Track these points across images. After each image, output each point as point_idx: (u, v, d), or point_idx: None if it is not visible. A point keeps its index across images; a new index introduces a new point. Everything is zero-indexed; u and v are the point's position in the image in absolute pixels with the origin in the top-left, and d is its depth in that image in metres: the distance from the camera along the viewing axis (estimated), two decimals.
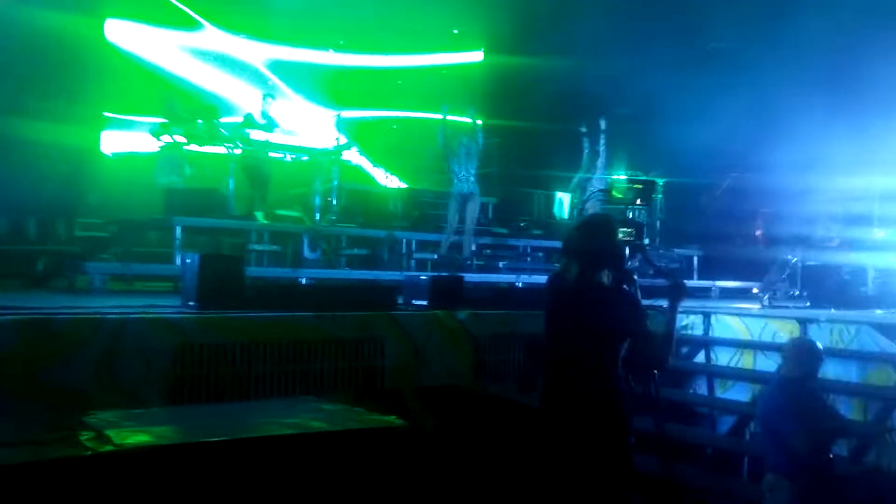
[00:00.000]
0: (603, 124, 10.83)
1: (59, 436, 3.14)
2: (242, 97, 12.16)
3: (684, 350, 7.35)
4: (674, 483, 4.11)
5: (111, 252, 8.75)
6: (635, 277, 3.79)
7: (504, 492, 5.09)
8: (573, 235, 3.85)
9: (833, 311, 7.84)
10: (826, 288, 9.35)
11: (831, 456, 4.62)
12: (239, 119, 10.15)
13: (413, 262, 10.06)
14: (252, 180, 9.66)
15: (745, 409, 6.52)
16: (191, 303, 5.62)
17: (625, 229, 3.90)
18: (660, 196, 12.14)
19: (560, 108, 13.20)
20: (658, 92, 11.73)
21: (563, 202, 12.80)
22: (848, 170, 10.21)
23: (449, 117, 9.93)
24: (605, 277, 3.68)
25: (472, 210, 9.66)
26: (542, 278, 4.77)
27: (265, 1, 12.45)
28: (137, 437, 3.15)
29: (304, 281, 8.20)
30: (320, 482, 3.36)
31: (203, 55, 12.67)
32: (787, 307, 8.76)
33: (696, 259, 11.89)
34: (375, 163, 13.66)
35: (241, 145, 9.48)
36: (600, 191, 10.81)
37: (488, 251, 11.07)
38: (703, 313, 7.41)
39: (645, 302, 3.78)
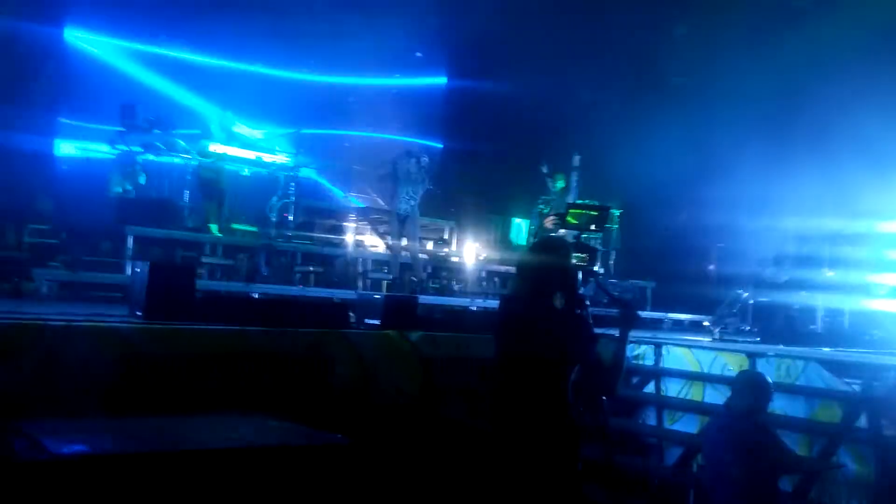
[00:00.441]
0: (577, 160, 10.96)
1: None
2: (200, 109, 12.05)
3: (635, 380, 7.38)
4: None
5: (60, 259, 8.54)
6: (587, 303, 3.81)
7: None
8: (526, 256, 3.86)
9: (781, 346, 7.98)
10: (775, 324, 9.54)
11: (777, 490, 4.65)
12: (197, 131, 10.03)
13: (368, 282, 9.99)
14: (208, 193, 9.53)
15: (693, 440, 6.55)
16: (138, 312, 5.50)
17: (578, 254, 3.93)
18: (616, 226, 12.31)
19: (520, 134, 13.37)
20: (618, 123, 11.95)
21: (521, 228, 12.89)
22: (800, 210, 10.50)
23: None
24: (558, 301, 3.70)
25: (412, 230, 9.67)
26: (496, 303, 4.77)
27: (226, 19, 12.36)
28: (74, 447, 3.05)
29: (256, 296, 8.09)
30: (262, 498, 3.29)
31: (162, 65, 12.54)
32: (736, 341, 8.90)
33: (649, 290, 12.05)
34: (332, 180, 13.63)
35: (197, 157, 9.36)
36: (555, 215, 10.92)
37: (444, 273, 11.07)
38: (654, 344, 7.47)
39: (597, 330, 3.80)
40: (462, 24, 14.14)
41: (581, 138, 13.11)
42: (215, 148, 9.58)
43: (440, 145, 15.43)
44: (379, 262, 10.31)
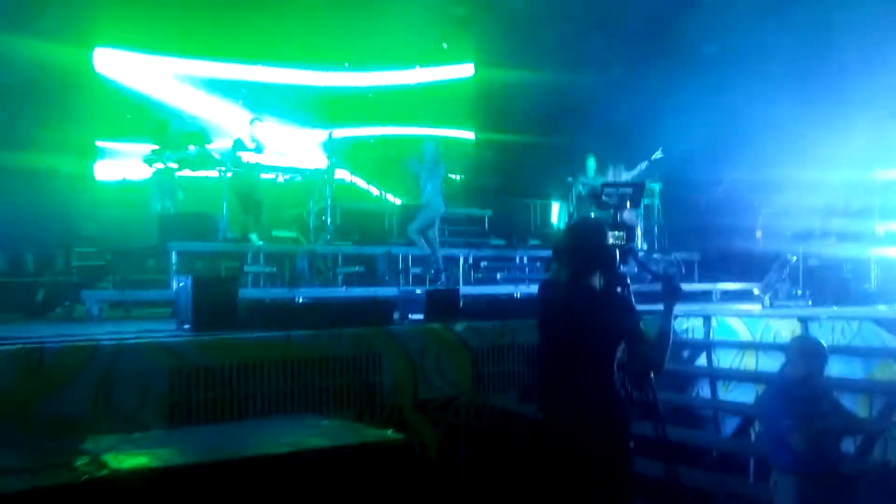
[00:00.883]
0: (659, 152, 10.92)
1: (54, 462, 3.11)
2: (231, 121, 12.18)
3: (686, 353, 7.31)
4: (679, 486, 4.06)
5: (108, 280, 8.75)
6: (628, 281, 3.78)
7: (505, 501, 5.05)
8: (562, 239, 3.84)
9: (835, 308, 7.80)
10: (828, 286, 9.30)
11: (839, 453, 4.58)
12: (229, 143, 10.17)
13: (410, 278, 10.03)
14: (244, 203, 9.66)
15: (749, 410, 6.48)
16: (186, 325, 5.60)
17: (614, 232, 3.89)
18: (657, 201, 12.15)
19: (552, 118, 13.25)
20: (652, 95, 11.77)
21: (559, 211, 12.81)
22: (847, 163, 10.18)
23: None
24: (597, 281, 3.67)
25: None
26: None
27: (250, 23, 12.47)
28: (134, 461, 3.12)
29: (300, 300, 8.18)
30: (320, 499, 3.33)
31: (190, 81, 12.71)
32: (788, 306, 8.72)
33: (696, 262, 11.86)
34: (368, 181, 13.69)
35: (232, 168, 9.48)
36: (589, 195, 10.84)
37: (485, 263, 11.05)
38: (703, 316, 7.38)
39: (642, 307, 3.76)
40: (486, 12, 14.11)
41: (614, 115, 12.98)
42: (248, 158, 9.70)
43: (472, 136, 15.41)
44: (418, 258, 10.34)
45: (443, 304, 6.68)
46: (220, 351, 5.08)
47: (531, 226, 12.99)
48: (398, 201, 13.16)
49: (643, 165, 11.14)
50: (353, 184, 13.16)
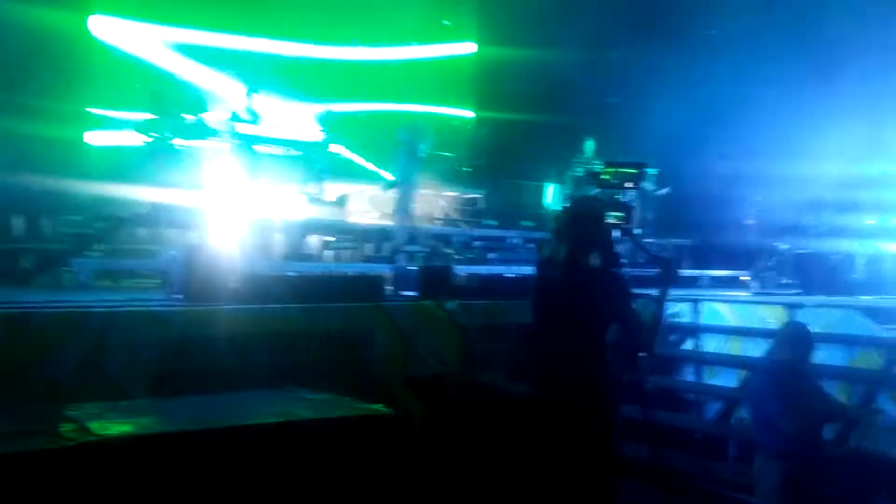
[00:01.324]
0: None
1: (40, 428, 3.12)
2: (227, 92, 12.09)
3: (673, 337, 7.36)
4: (663, 468, 4.10)
5: (97, 248, 8.70)
6: (623, 261, 3.79)
7: (493, 478, 5.09)
8: (562, 217, 3.84)
9: (821, 296, 7.87)
10: (815, 275, 9.39)
11: (822, 438, 4.63)
12: (225, 113, 10.09)
13: (403, 255, 10.02)
14: (240, 174, 9.59)
15: (732, 394, 6.54)
16: (177, 296, 5.59)
17: (614, 213, 3.89)
18: (653, 185, 12.14)
19: (548, 99, 13.20)
20: (651, 81, 11.74)
21: (556, 192, 12.77)
22: (838, 157, 10.23)
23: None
24: (594, 260, 3.68)
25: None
26: (531, 270, 4.77)
27: None
28: (119, 428, 3.13)
29: (292, 274, 8.16)
30: (307, 470, 3.35)
31: (187, 50, 12.57)
32: (777, 294, 8.78)
33: (687, 248, 11.90)
34: (364, 156, 13.63)
35: (228, 139, 9.42)
36: (589, 174, 10.81)
37: (478, 243, 11.05)
38: (691, 300, 7.43)
39: (635, 289, 3.77)
40: None
41: (612, 98, 12.96)
42: (245, 129, 9.63)
43: (472, 115, 15.34)
44: (412, 236, 10.32)
45: (435, 282, 6.70)
46: (210, 322, 5.08)
47: (524, 207, 12.97)
48: (393, 177, 13.11)
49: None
50: (348, 159, 13.10)
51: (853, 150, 10.15)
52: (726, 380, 6.81)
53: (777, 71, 11.21)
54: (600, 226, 3.70)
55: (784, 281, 9.53)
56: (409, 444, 3.78)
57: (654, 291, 3.75)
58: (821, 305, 6.50)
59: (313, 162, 10.28)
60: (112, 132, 11.32)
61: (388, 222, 9.78)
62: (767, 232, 10.78)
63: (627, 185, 4.82)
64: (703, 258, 11.52)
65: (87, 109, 11.40)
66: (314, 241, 9.81)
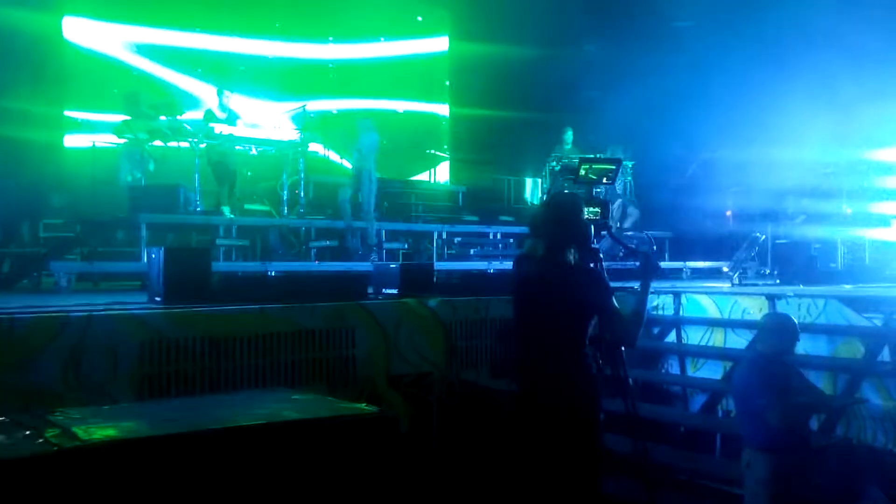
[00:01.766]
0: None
1: (24, 434, 3.08)
2: (201, 91, 12.03)
3: (655, 330, 7.40)
4: (647, 462, 4.12)
5: (76, 251, 8.63)
6: (601, 256, 3.81)
7: (477, 475, 5.11)
8: (539, 213, 3.85)
9: (802, 286, 7.93)
10: (795, 265, 9.45)
11: (808, 429, 4.66)
12: (200, 114, 10.02)
13: (384, 252, 10.02)
14: (217, 175, 9.55)
15: (717, 386, 6.58)
16: (157, 298, 5.55)
17: (591, 208, 3.91)
18: (629, 178, 12.22)
19: (527, 93, 13.24)
20: (625, 73, 11.79)
21: (535, 187, 12.82)
22: (816, 144, 10.30)
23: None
24: (572, 256, 3.70)
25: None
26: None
27: None
28: (104, 433, 3.10)
29: (272, 274, 8.14)
30: (292, 471, 3.34)
31: (161, 51, 12.49)
32: (756, 285, 8.85)
33: (666, 240, 11.99)
34: (342, 154, 13.60)
35: (205, 140, 9.36)
36: (566, 169, 10.87)
37: (459, 239, 11.07)
38: (673, 293, 7.46)
39: (615, 283, 3.79)
40: None
41: (587, 91, 13.00)
42: (221, 129, 9.58)
43: (447, 111, 15.35)
44: (394, 233, 10.32)
45: (417, 279, 6.69)
46: (192, 324, 5.05)
47: (505, 202, 13.01)
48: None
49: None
50: (326, 157, 13.07)
51: (832, 136, 10.22)
52: (710, 372, 6.86)
53: (759, 56, 11.25)
54: (578, 222, 3.72)
55: (764, 271, 9.61)
56: (395, 444, 3.78)
57: (635, 284, 3.77)
58: (802, 295, 6.54)
59: (291, 160, 10.23)
60: (88, 134, 11.23)
61: (366, 219, 9.74)
62: (746, 221, 10.83)
63: (605, 180, 4.87)
64: (684, 249, 11.60)
65: (64, 112, 11.30)
66: (295, 239, 9.77)
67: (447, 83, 15.36)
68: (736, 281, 9.25)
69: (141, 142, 9.53)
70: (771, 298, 6.61)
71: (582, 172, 4.72)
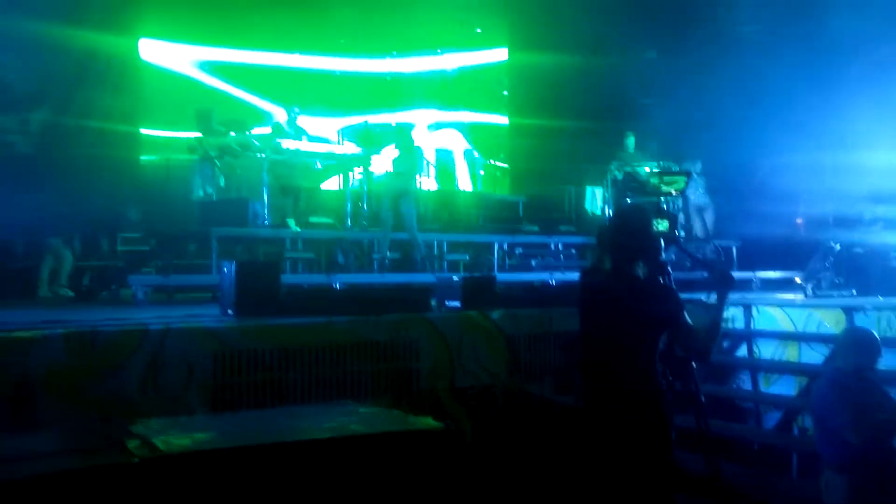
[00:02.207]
0: (698, 166, 10.80)
1: (106, 444, 3.20)
2: (271, 108, 12.32)
3: (726, 344, 7.22)
4: (720, 481, 4.02)
5: (152, 265, 8.92)
6: (669, 269, 3.76)
7: (543, 492, 5.06)
8: (606, 228, 3.81)
9: (881, 298, 7.63)
10: (872, 274, 9.07)
11: (890, 448, 4.47)
12: (268, 130, 10.25)
13: (445, 264, 10.05)
14: (284, 189, 9.75)
15: (792, 402, 6.38)
16: (229, 311, 5.69)
17: (659, 221, 3.86)
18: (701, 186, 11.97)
19: (586, 101, 13.14)
20: (687, 80, 11.60)
21: (595, 196, 12.68)
22: (892, 148, 9.90)
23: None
24: (640, 270, 3.65)
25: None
26: (575, 275, 4.74)
27: (287, 13, 12.56)
28: (183, 443, 3.20)
29: (338, 286, 8.25)
30: (359, 485, 3.38)
31: (230, 69, 12.85)
32: (832, 296, 8.55)
33: (734, 249, 11.70)
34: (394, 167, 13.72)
35: (272, 155, 9.57)
36: (629, 177, 10.71)
37: (520, 250, 11.02)
38: (744, 305, 7.27)
39: (683, 295, 3.73)
40: None
41: (647, 99, 12.82)
42: (287, 144, 9.78)
43: (506, 121, 15.33)
44: (454, 245, 10.34)
45: (479, 292, 6.69)
46: (262, 336, 5.16)
47: (565, 212, 12.90)
48: (434, 186, 13.16)
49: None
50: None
51: None
52: (785, 388, 6.65)
53: (817, 58, 10.92)
54: (647, 234, 3.67)
55: (839, 281, 9.26)
56: (461, 458, 3.78)
57: (701, 297, 3.70)
58: (881, 308, 6.29)
59: (354, 174, 10.37)
60: (163, 150, 11.63)
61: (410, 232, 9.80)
62: (818, 228, 10.46)
63: (674, 192, 4.80)
64: (753, 258, 11.28)
65: (140, 130, 11.72)
66: (360, 251, 9.89)
67: (505, 93, 15.36)
68: (810, 292, 8.96)
69: (212, 158, 9.80)
70: (848, 311, 6.39)
71: (652, 183, 4.67)
